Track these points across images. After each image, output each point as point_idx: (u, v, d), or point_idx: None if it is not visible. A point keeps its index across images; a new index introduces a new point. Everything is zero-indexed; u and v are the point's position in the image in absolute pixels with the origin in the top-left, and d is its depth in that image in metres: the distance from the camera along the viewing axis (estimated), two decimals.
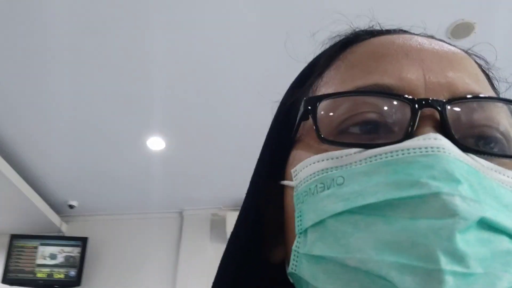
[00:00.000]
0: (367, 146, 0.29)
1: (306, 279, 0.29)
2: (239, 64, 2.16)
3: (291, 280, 0.32)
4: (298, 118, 0.34)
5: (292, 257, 0.30)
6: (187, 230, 3.45)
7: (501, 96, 0.36)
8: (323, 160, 0.30)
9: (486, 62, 0.37)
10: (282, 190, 0.35)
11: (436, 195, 0.25)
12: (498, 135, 0.31)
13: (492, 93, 0.34)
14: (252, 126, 2.58)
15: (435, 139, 0.27)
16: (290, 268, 0.31)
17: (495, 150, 0.31)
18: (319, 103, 0.32)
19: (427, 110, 0.29)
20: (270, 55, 2.05)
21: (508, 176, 0.29)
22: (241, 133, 2.65)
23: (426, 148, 0.27)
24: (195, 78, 2.27)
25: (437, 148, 0.27)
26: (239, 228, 0.36)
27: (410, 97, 0.30)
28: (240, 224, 0.36)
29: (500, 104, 0.31)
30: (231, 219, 3.29)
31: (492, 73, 0.37)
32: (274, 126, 0.38)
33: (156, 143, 2.77)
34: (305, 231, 0.29)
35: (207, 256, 3.33)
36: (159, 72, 2.23)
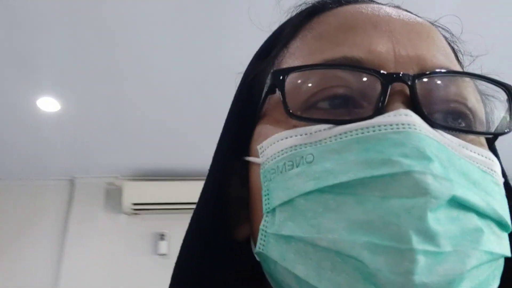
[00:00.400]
0: (338, 122, 0.28)
1: (274, 259, 0.28)
2: (151, 32, 2.05)
3: (258, 258, 0.31)
4: (264, 92, 0.32)
5: (259, 236, 0.29)
6: (79, 198, 3.26)
7: (465, 69, 0.36)
8: (291, 137, 0.29)
9: (452, 34, 0.37)
10: (245, 166, 0.34)
11: (408, 173, 0.24)
12: (466, 110, 0.31)
13: (458, 67, 0.34)
14: (156, 97, 2.49)
15: (406, 115, 0.27)
16: (257, 248, 0.30)
17: (463, 125, 0.31)
18: (287, 76, 0.30)
19: (397, 85, 0.29)
20: (187, 24, 1.97)
21: (474, 152, 0.29)
22: (143, 103, 2.55)
23: (397, 124, 0.27)
24: (96, 39, 2.11)
25: (408, 124, 0.27)
26: (202, 206, 0.34)
27: (381, 71, 0.29)
28: (203, 201, 0.34)
29: (467, 79, 0.31)
30: (128, 189, 3.18)
31: (457, 46, 0.37)
32: (238, 99, 0.36)
33: (48, 104, 2.55)
34: (273, 210, 0.29)
35: (99, 226, 3.19)
36: (55, 31, 2.04)
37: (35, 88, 2.43)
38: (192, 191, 3.29)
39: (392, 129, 0.27)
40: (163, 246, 3.15)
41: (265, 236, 0.29)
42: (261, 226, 0.29)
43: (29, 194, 3.27)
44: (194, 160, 3.17)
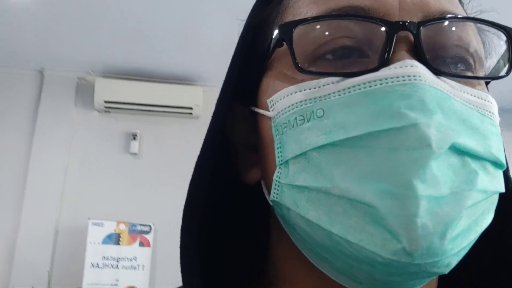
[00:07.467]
0: (345, 75, 0.30)
1: (287, 206, 0.31)
2: None
3: (271, 203, 0.33)
4: (272, 44, 0.33)
5: (273, 186, 0.32)
6: (49, 90, 3.17)
7: (466, 7, 0.37)
8: (300, 91, 0.31)
9: None
10: (253, 114, 0.35)
11: (414, 126, 0.27)
12: (467, 56, 0.32)
13: (460, 9, 0.34)
14: None
15: (412, 66, 0.28)
16: (272, 196, 0.32)
17: (463, 68, 0.32)
18: (294, 29, 0.31)
19: (402, 33, 0.30)
20: None
21: (474, 96, 0.31)
22: None
23: (403, 76, 0.28)
24: None
25: (414, 76, 0.28)
26: (207, 150, 0.35)
27: (386, 20, 0.30)
28: (207, 146, 0.35)
29: (469, 23, 0.32)
30: (100, 85, 3.11)
31: None
32: (242, 45, 0.37)
33: None
34: (286, 162, 0.31)
35: (70, 120, 3.15)
36: None
37: None
38: (166, 94, 3.24)
39: (398, 81, 0.28)
40: (134, 146, 3.18)
41: (278, 186, 0.31)
42: (274, 177, 0.32)
43: None
44: (169, 63, 3.08)
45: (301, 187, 0.29)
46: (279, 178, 0.31)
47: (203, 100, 3.13)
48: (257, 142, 0.35)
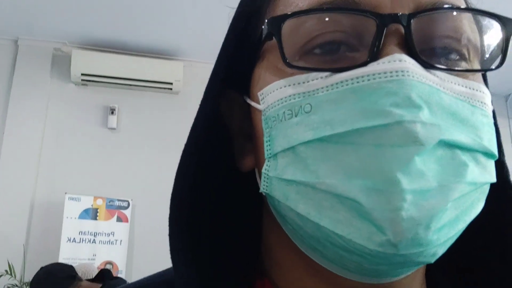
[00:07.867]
0: (333, 70, 0.29)
1: (277, 199, 0.31)
2: None
3: (264, 193, 0.33)
4: (263, 36, 0.33)
5: (262, 178, 0.32)
6: (23, 62, 3.07)
7: None
8: (289, 85, 0.31)
9: None
10: (246, 102, 0.35)
11: (399, 123, 0.27)
12: (460, 46, 0.31)
13: None
14: None
15: (400, 60, 0.28)
16: (262, 188, 0.32)
17: (456, 60, 0.31)
18: (283, 24, 0.31)
19: (393, 26, 0.29)
20: None
21: (466, 87, 0.31)
22: None
23: (391, 72, 0.28)
24: None
25: (401, 71, 0.28)
26: (194, 137, 0.35)
27: (377, 12, 0.29)
28: (195, 133, 0.35)
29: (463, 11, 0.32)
30: (77, 57, 3.02)
31: None
32: (233, 35, 0.36)
33: None
34: (275, 155, 0.31)
35: (46, 93, 3.07)
36: None
37: None
38: (146, 68, 3.18)
39: (386, 77, 0.28)
40: (113, 120, 3.13)
41: (267, 178, 0.31)
42: (263, 170, 0.32)
43: None
44: (149, 36, 3.02)
45: (290, 181, 0.30)
46: (268, 171, 0.31)
47: (183, 75, 3.08)
48: (251, 131, 0.35)
